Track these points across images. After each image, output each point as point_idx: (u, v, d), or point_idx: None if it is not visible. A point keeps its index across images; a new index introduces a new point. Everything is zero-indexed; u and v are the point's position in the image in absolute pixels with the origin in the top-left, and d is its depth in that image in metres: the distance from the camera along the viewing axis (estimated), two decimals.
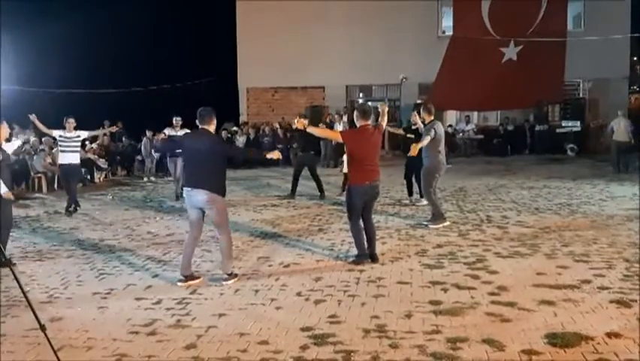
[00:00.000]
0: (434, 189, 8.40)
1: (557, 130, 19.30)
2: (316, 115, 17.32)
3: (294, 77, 21.81)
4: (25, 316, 4.59)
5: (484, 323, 4.52)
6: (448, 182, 12.17)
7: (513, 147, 19.72)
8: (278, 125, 17.12)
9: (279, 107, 22.46)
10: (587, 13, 20.94)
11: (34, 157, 13.53)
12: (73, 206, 10.18)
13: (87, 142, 14.72)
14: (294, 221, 8.99)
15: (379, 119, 6.66)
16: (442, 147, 8.39)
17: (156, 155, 15.48)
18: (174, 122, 11.64)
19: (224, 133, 17.92)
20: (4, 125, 6.97)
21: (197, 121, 5.81)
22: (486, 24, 19.39)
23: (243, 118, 22.66)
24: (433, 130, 8.16)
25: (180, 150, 6.63)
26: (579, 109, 19.68)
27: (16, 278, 3.88)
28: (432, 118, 8.47)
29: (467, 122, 20.97)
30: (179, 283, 5.73)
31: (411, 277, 5.78)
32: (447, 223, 8.27)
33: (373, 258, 6.38)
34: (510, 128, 20.39)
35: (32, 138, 14.43)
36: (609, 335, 4.20)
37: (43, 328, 3.72)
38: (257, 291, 5.49)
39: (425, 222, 8.38)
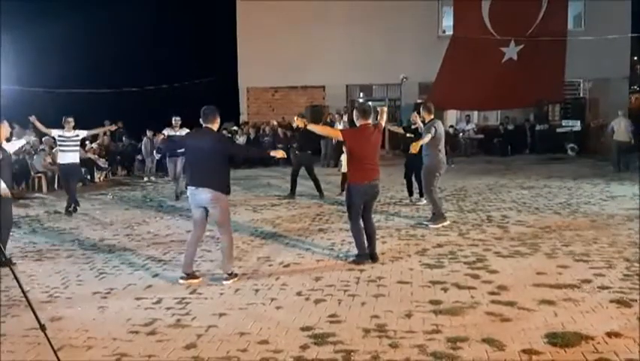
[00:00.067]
0: (435, 187, 8.40)
1: (558, 130, 19.32)
2: (316, 114, 17.32)
3: (294, 77, 21.81)
4: (25, 315, 4.59)
5: (484, 322, 4.51)
6: (448, 181, 12.17)
7: (513, 146, 19.72)
8: (276, 123, 17.08)
9: (279, 106, 22.47)
10: (587, 13, 20.95)
11: (34, 157, 13.54)
12: (73, 206, 10.18)
13: (87, 142, 14.75)
14: (295, 221, 8.99)
15: (378, 118, 6.67)
16: (442, 146, 8.39)
17: (157, 155, 15.46)
18: (173, 122, 11.64)
19: (224, 133, 17.92)
20: (5, 125, 6.97)
21: (200, 120, 5.83)
22: (486, 24, 19.41)
23: (243, 118, 22.68)
24: (433, 128, 8.17)
25: (182, 150, 6.63)
26: (579, 109, 19.70)
27: (16, 278, 3.88)
28: (432, 117, 8.47)
29: (467, 122, 20.97)
30: (180, 281, 5.74)
31: (411, 277, 5.78)
32: (447, 223, 8.26)
33: (373, 257, 6.38)
34: (510, 127, 20.39)
35: (32, 138, 14.43)
36: (609, 334, 4.19)
37: (43, 327, 3.72)
38: (257, 291, 5.48)
39: (425, 222, 8.38)
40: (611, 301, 4.90)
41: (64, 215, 10.01)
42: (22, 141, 8.96)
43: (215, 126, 5.83)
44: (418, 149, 8.06)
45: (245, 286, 5.63)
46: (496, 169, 15.44)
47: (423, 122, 8.98)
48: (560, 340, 4.10)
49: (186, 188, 5.94)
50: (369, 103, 15.64)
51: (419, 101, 17.47)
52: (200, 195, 5.65)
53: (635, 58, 26.95)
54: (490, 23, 19.40)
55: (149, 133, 16.02)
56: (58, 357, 3.75)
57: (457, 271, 5.93)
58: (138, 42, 23.59)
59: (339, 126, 15.76)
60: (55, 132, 10.17)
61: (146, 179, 15.47)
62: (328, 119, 18.28)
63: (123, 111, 18.98)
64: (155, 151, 15.40)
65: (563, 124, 19.39)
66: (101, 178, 15.31)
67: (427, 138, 8.10)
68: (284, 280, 5.81)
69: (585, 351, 3.93)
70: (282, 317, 4.77)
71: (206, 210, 5.75)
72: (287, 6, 21.22)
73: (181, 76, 23.08)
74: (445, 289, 5.35)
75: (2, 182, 6.43)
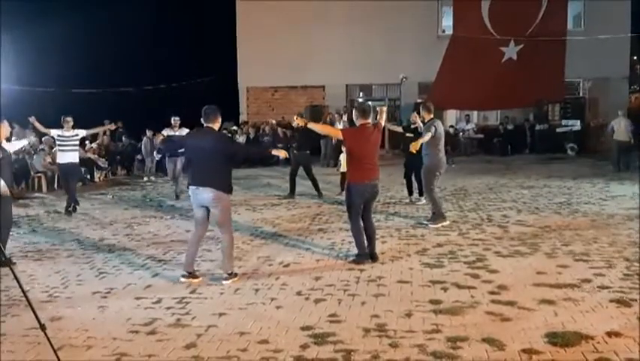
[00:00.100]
0: (434, 187, 8.40)
1: (557, 129, 19.34)
2: (316, 114, 17.31)
3: (294, 77, 21.81)
4: (25, 315, 4.59)
5: (484, 322, 4.51)
6: (448, 181, 12.17)
7: (513, 146, 19.73)
8: (274, 122, 17.04)
9: (279, 106, 22.46)
10: (587, 13, 20.96)
11: (34, 157, 13.54)
12: (72, 205, 10.17)
13: (87, 141, 14.74)
14: (294, 220, 8.99)
15: (377, 118, 6.68)
16: (441, 145, 8.39)
17: (158, 156, 15.45)
18: (173, 122, 11.63)
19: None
20: (5, 124, 6.97)
21: (202, 119, 5.83)
22: (486, 23, 19.39)
23: (243, 117, 22.68)
24: (433, 127, 8.17)
25: (182, 150, 6.63)
26: (579, 108, 19.71)
27: (16, 278, 3.88)
28: (431, 117, 8.47)
29: (467, 122, 20.98)
30: (181, 279, 5.75)
31: (411, 276, 5.78)
32: (447, 222, 8.26)
33: (373, 257, 6.38)
34: (510, 127, 20.40)
35: (33, 138, 14.43)
36: (609, 334, 4.19)
37: (43, 327, 3.72)
38: (257, 290, 5.48)
39: (425, 222, 8.38)
40: (611, 301, 4.91)
41: (64, 215, 10.01)
42: (24, 142, 8.98)
43: (216, 126, 5.83)
44: (418, 148, 8.05)
45: (245, 285, 5.62)
46: (496, 169, 15.44)
47: (423, 121, 8.99)
48: (560, 339, 4.10)
49: (187, 188, 5.94)
50: (369, 103, 15.62)
51: (419, 100, 17.47)
52: (202, 195, 5.65)
53: (635, 58, 26.93)
54: (489, 23, 19.39)
55: (148, 133, 16.01)
56: (58, 357, 3.75)
57: (457, 271, 5.93)
58: (138, 42, 23.58)
59: (339, 126, 15.76)
60: (54, 132, 10.17)
61: (145, 179, 15.46)
62: (328, 119, 18.27)
63: (123, 111, 18.98)
64: (155, 152, 15.41)
65: (563, 124, 19.40)
66: (101, 178, 15.31)
67: (427, 137, 8.10)
68: (284, 279, 5.81)
69: (585, 351, 3.93)
70: (282, 316, 4.77)
71: (208, 209, 5.75)
72: (287, 6, 21.22)
73: (181, 76, 23.08)
74: (445, 289, 5.35)
75: (2, 181, 6.43)
